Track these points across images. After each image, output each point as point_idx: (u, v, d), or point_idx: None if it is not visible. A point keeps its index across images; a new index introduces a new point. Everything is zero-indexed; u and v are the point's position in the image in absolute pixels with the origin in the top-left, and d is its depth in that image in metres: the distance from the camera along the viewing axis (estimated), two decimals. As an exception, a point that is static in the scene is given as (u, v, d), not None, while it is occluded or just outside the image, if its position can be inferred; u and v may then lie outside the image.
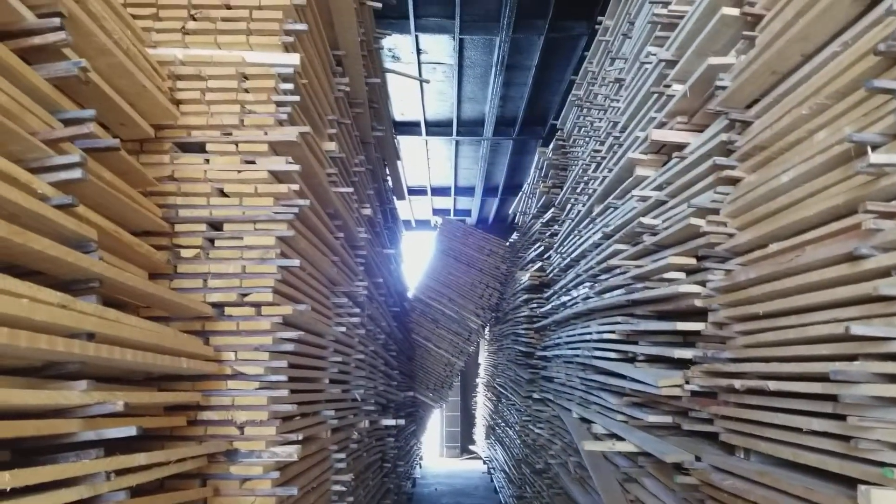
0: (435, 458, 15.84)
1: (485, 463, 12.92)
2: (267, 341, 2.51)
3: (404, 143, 11.31)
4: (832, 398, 1.86)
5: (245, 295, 2.52)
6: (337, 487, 3.66)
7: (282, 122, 2.65)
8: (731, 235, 2.69)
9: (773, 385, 2.15)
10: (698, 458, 2.66)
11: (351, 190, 3.94)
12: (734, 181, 2.73)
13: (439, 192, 14.37)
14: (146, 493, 1.89)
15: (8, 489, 1.19)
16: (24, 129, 1.58)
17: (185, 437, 2.39)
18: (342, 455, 3.73)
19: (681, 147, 3.31)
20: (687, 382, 2.85)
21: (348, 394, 4.31)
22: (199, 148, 2.60)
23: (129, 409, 1.96)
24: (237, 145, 2.60)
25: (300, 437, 2.60)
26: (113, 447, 1.66)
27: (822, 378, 1.86)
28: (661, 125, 3.52)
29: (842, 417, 1.78)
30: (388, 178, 7.35)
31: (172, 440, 2.36)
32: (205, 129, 2.60)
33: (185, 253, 2.52)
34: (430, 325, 12.03)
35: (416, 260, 13.06)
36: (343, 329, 3.80)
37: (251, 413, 2.46)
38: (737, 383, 2.37)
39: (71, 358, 1.48)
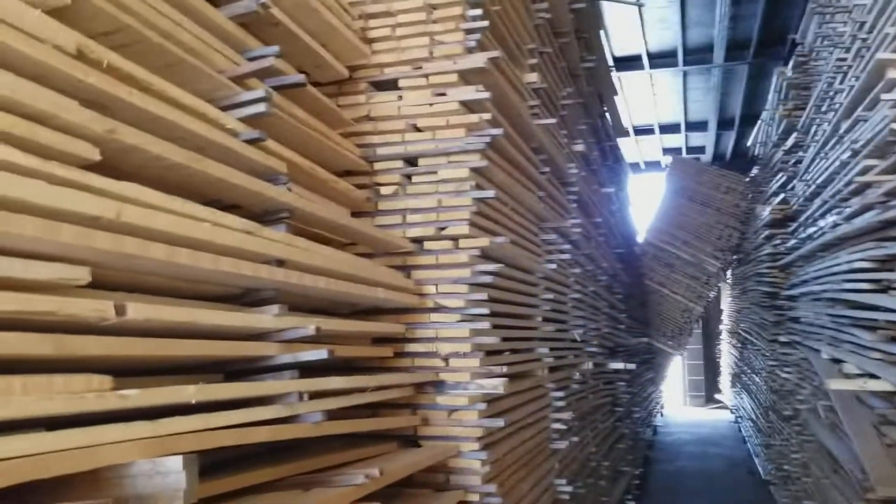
0: (678, 407, 15.32)
1: (731, 412, 12.23)
2: (465, 274, 2.50)
3: (627, 79, 10.80)
4: None
5: (442, 228, 2.53)
6: (557, 425, 3.62)
7: (471, 49, 2.59)
8: None
9: None
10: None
11: (555, 121, 3.80)
12: None
13: (668, 129, 13.57)
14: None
15: (194, 402, 1.27)
16: (211, 67, 1.68)
17: (394, 369, 2.48)
18: (560, 394, 3.68)
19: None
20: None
21: (567, 333, 4.23)
22: (393, 85, 2.63)
23: (331, 338, 2.07)
24: (427, 78, 2.59)
25: (505, 371, 2.58)
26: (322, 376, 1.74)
27: None
28: (918, 12, 2.97)
29: None
30: (606, 113, 7.05)
31: (383, 371, 2.45)
32: (396, 66, 2.62)
33: (384, 190, 2.58)
34: (664, 270, 11.53)
35: (647, 203, 12.53)
36: (554, 266, 3.71)
37: (454, 345, 2.48)
38: None
39: (260, 283, 1.56)
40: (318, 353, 1.64)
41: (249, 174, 1.62)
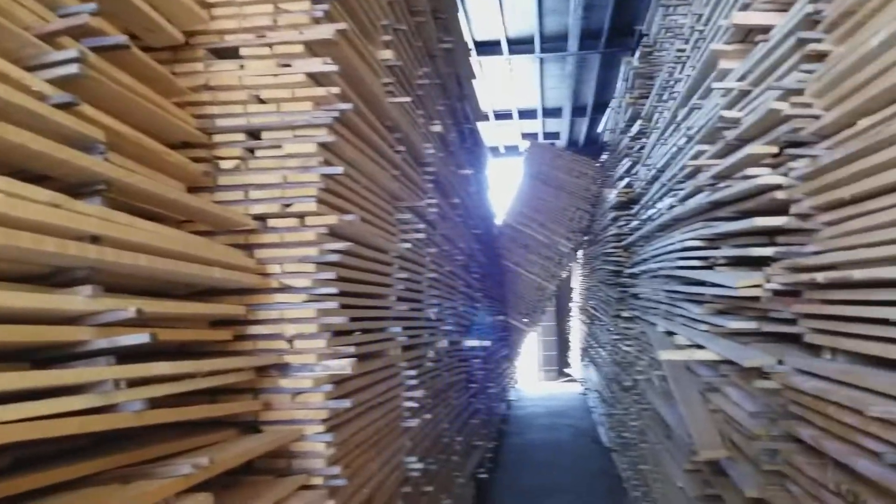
0: (533, 382, 15.91)
1: (580, 385, 12.85)
2: (312, 252, 2.43)
3: (487, 64, 10.95)
4: (926, 284, 1.61)
5: (288, 205, 2.44)
6: (409, 404, 3.63)
7: (318, 20, 2.50)
8: (816, 117, 2.38)
9: (858, 274, 1.89)
10: (780, 362, 2.44)
11: (410, 100, 3.77)
12: (820, 56, 2.41)
13: (526, 115, 13.95)
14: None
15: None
16: (16, 23, 1.51)
17: (235, 353, 2.37)
18: (413, 372, 3.69)
19: (766, 31, 2.98)
20: (768, 281, 2.60)
21: (422, 313, 4.25)
22: (234, 53, 2.50)
23: (161, 322, 1.94)
24: (272, 48, 2.47)
25: (354, 351, 2.54)
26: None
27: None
28: (745, 7, 3.17)
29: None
30: (466, 96, 7.12)
31: (223, 355, 2.34)
32: (238, 33, 2.49)
33: (224, 164, 2.45)
34: (521, 251, 11.91)
35: (506, 187, 12.84)
36: (409, 245, 3.70)
37: (300, 326, 2.41)
38: (820, 276, 2.12)
39: (69, 261, 1.42)
40: (139, 338, 1.53)
41: (60, 141, 1.48)
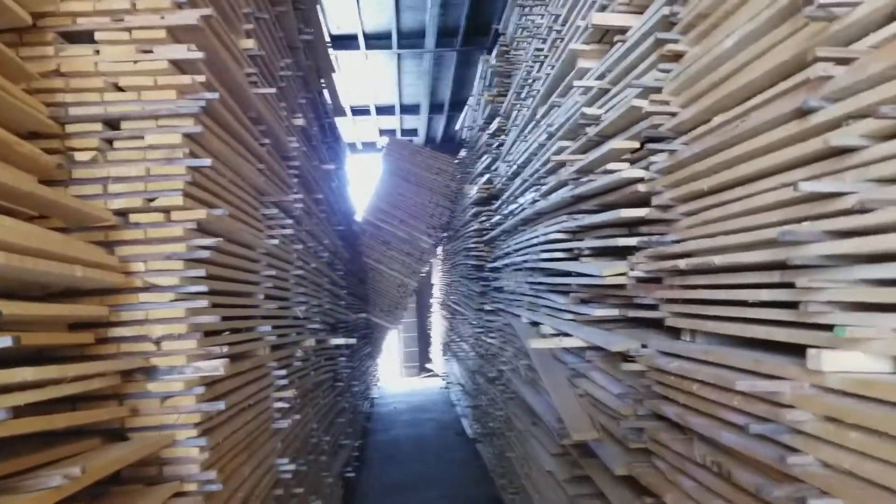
0: (395, 378, 15.95)
1: (442, 379, 13.03)
2: (180, 249, 2.30)
3: (344, 59, 10.83)
4: (780, 266, 1.75)
5: (151, 200, 2.29)
6: (279, 405, 3.53)
7: (181, 4, 2.36)
8: (674, 114, 2.54)
9: (718, 260, 2.04)
10: (644, 346, 2.59)
11: (274, 90, 3.66)
12: (677, 56, 2.57)
13: (384, 111, 13.94)
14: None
15: None
16: None
17: (97, 356, 2.20)
18: (283, 372, 3.59)
19: (623, 31, 3.13)
20: (632, 270, 2.75)
21: (290, 311, 4.14)
22: (88, 37, 2.31)
23: (15, 325, 1.76)
24: (130, 32, 2.31)
25: (225, 352, 2.43)
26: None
27: (770, 245, 1.76)
28: (603, 9, 3.33)
29: (790, 285, 1.68)
30: (325, 90, 7.01)
31: (85, 360, 2.16)
32: (92, 16, 2.30)
33: (79, 156, 2.26)
34: (382, 248, 11.88)
35: (365, 183, 12.77)
36: (276, 241, 3.59)
37: (168, 327, 2.27)
38: (681, 263, 2.26)
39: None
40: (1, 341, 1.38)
41: None
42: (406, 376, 16.32)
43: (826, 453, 1.47)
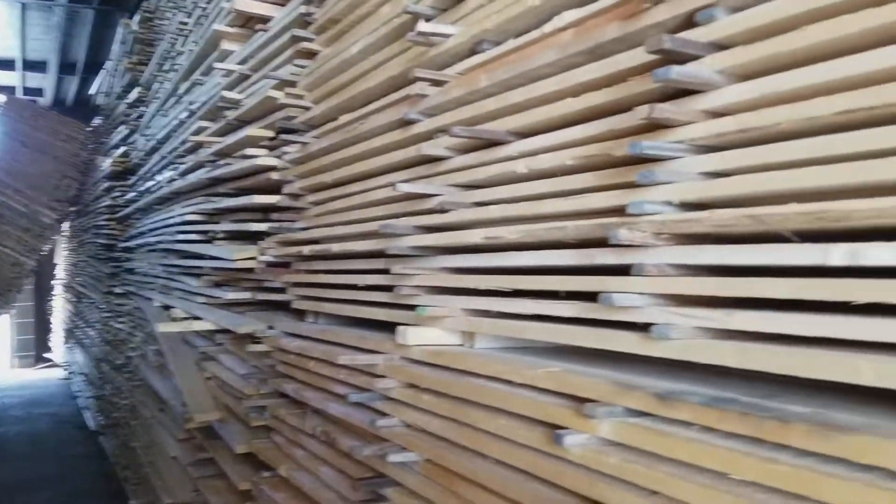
0: (5, 370, 14.01)
1: (64, 369, 11.83)
2: None
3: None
4: (383, 255, 2.00)
5: None
6: None
7: None
8: (307, 108, 2.69)
9: (336, 247, 2.24)
10: (271, 327, 2.71)
11: None
12: (312, 54, 2.73)
13: (2, 65, 12.12)
14: None
15: None
16: None
17: None
18: None
19: (265, 20, 3.21)
20: (262, 254, 2.85)
21: None
22: None
23: None
24: None
25: None
26: None
27: (376, 236, 1.99)
28: (248, -5, 3.36)
29: (389, 271, 1.93)
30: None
31: None
32: None
33: None
34: (-8, 221, 10.36)
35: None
36: None
37: None
38: (305, 249, 2.43)
39: None
40: None
41: None
42: (20, 367, 14.43)
43: (406, 415, 1.74)
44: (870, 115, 0.92)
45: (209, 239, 3.57)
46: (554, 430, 1.24)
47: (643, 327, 1.18)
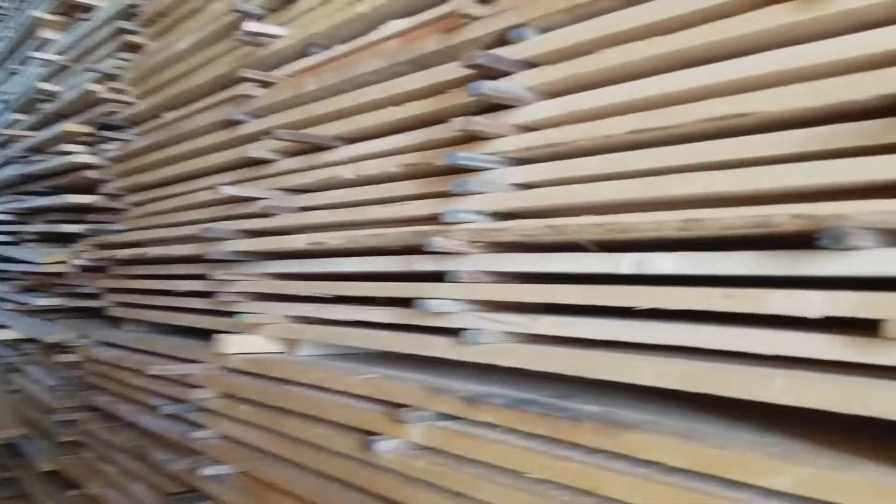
0: None
1: None
2: None
3: None
4: (203, 260, 1.92)
5: None
6: None
7: None
8: (129, 104, 2.55)
9: (154, 251, 2.12)
10: (83, 336, 2.52)
11: None
12: (136, 47, 2.58)
13: None
14: None
15: None
16: None
17: None
18: None
19: (89, 9, 3.01)
20: (76, 257, 2.66)
21: None
22: None
23: None
24: None
25: None
26: None
27: (197, 240, 1.91)
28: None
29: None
30: None
31: None
32: None
33: None
34: None
35: None
36: None
37: None
38: (121, 253, 2.29)
39: None
40: None
41: None
42: None
43: (222, 426, 1.67)
44: (656, 135, 0.99)
45: (18, 241, 3.29)
46: (369, 436, 1.24)
47: (457, 332, 1.20)
